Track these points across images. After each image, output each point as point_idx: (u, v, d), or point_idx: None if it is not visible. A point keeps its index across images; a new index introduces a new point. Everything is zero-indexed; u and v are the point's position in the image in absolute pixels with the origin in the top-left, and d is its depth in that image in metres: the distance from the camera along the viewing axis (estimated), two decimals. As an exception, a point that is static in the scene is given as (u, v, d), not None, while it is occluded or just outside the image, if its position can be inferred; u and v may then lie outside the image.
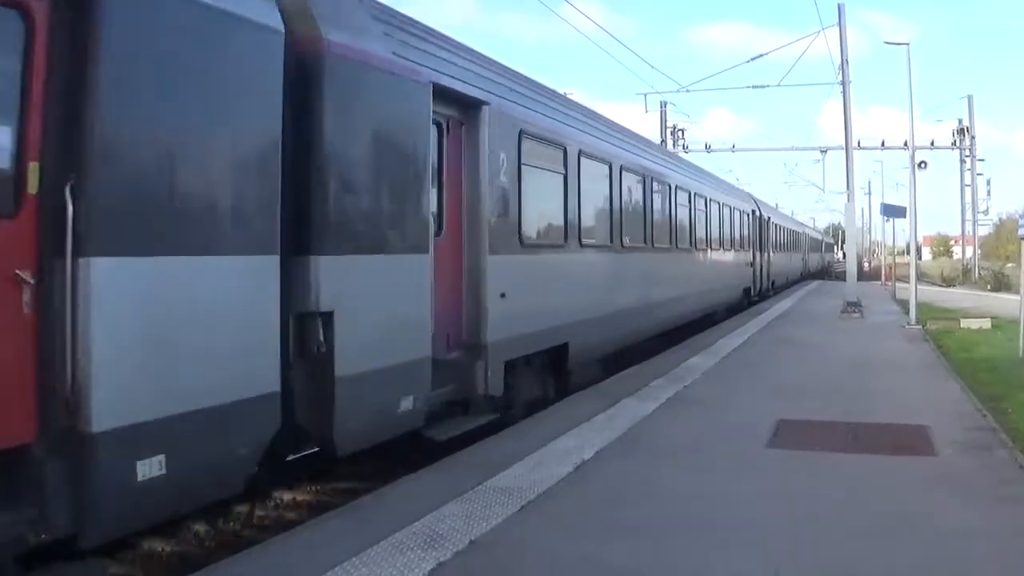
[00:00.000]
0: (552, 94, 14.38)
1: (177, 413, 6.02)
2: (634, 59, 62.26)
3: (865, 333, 22.71)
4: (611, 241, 15.94)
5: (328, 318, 7.61)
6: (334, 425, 7.73)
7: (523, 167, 11.80)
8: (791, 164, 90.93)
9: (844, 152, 30.22)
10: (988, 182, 68.36)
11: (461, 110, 10.54)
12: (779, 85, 40.79)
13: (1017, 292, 21.56)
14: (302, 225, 7.53)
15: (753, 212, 35.62)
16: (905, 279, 32.05)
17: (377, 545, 6.25)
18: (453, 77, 10.14)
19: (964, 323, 25.20)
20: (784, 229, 52.04)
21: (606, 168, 15.78)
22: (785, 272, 50.48)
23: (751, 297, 34.45)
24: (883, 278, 57.86)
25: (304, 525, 6.95)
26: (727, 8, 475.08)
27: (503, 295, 10.87)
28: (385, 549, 6.20)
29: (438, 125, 9.99)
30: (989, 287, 53.20)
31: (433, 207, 9.69)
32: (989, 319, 25.34)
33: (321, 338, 7.55)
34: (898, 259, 53.21)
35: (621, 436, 9.94)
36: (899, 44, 29.55)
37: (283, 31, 7.18)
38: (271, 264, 7.04)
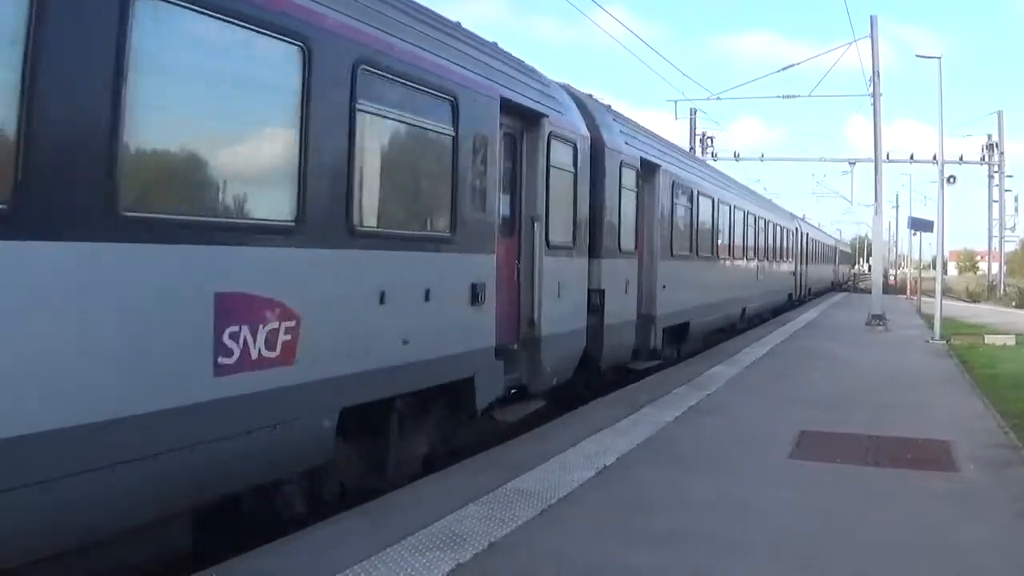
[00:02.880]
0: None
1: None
2: (664, 65, 61.90)
3: (889, 346, 22.62)
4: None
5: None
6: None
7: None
8: (819, 175, 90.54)
9: (873, 164, 30.03)
10: (1016, 198, 67.67)
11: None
12: (810, 96, 40.46)
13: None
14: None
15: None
16: (930, 293, 31.88)
17: (395, 545, 6.27)
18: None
19: (988, 339, 25.04)
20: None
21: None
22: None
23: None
24: (908, 292, 57.56)
25: (321, 524, 6.95)
26: (756, 18, 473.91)
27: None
28: (404, 549, 6.22)
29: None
30: (1014, 303, 52.83)
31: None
32: (1014, 336, 25.19)
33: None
34: (923, 273, 52.90)
35: (643, 442, 9.95)
36: (930, 58, 29.39)
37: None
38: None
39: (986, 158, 63.98)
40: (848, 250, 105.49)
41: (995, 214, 66.78)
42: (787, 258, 38.27)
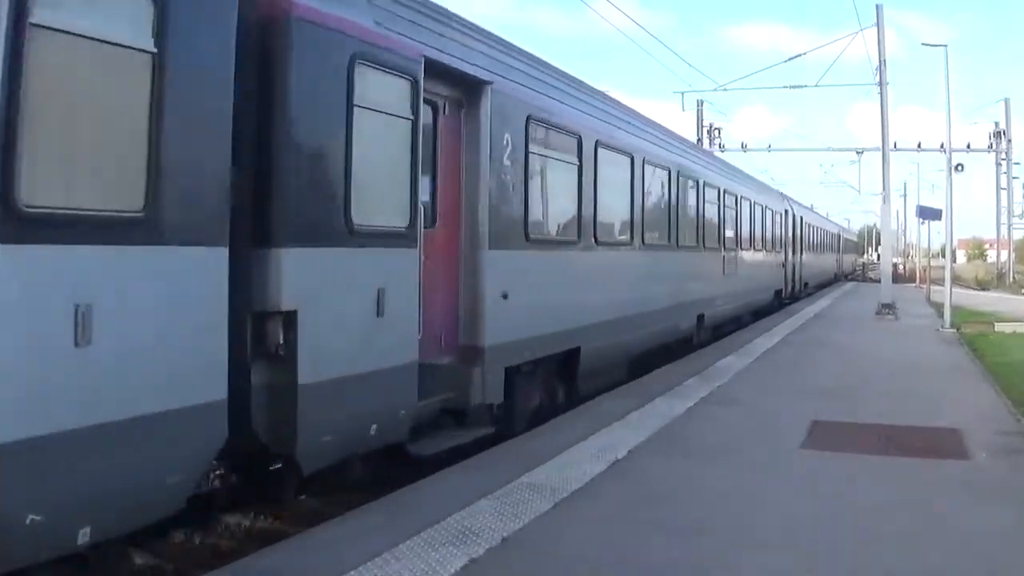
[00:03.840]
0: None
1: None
2: (670, 57, 62.21)
3: (900, 335, 22.57)
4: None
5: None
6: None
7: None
8: (827, 164, 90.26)
9: (880, 153, 29.90)
10: (1024, 186, 67.64)
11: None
12: (817, 85, 40.42)
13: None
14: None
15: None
16: (939, 282, 31.80)
17: (409, 541, 6.27)
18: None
19: (998, 327, 24.97)
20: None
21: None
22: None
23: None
24: (917, 281, 57.45)
25: (334, 520, 6.97)
26: (762, 7, 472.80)
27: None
28: (417, 544, 6.22)
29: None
30: (1023, 291, 52.68)
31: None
32: (1023, 323, 25.10)
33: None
34: (932, 262, 52.78)
35: (655, 435, 9.94)
36: (936, 46, 29.34)
37: None
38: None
39: (993, 145, 63.85)
40: (854, 239, 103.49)
41: (1003, 201, 66.68)
42: (774, 247, 31.97)
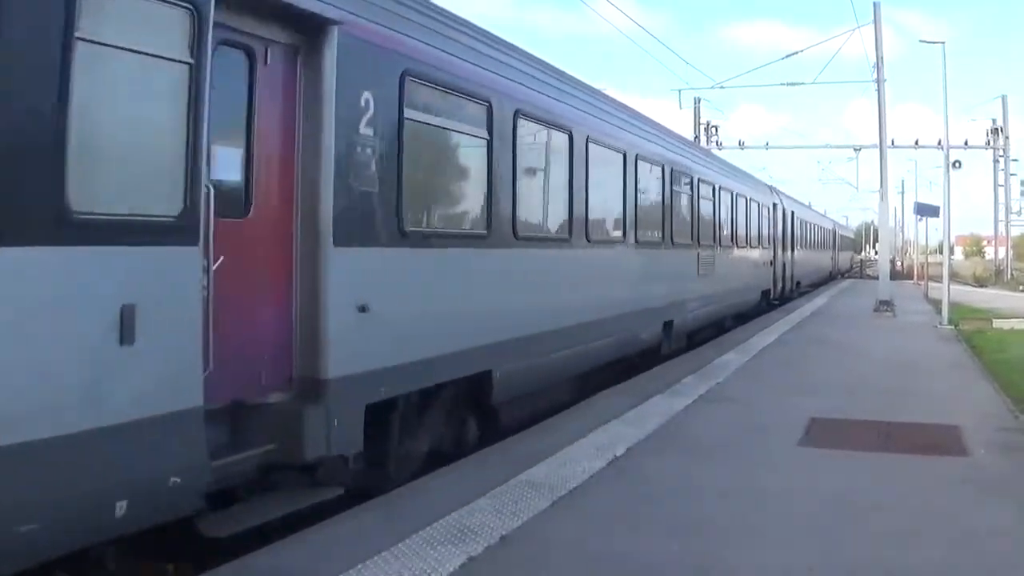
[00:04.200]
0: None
1: None
2: (668, 55, 62.06)
3: (898, 332, 22.57)
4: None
5: None
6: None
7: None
8: (824, 162, 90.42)
9: (878, 151, 29.89)
10: (1022, 182, 67.78)
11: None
12: (814, 83, 40.39)
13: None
14: None
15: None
16: (937, 279, 31.81)
17: (407, 539, 6.26)
18: None
19: (996, 323, 25.01)
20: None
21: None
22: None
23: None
24: (915, 277, 57.47)
25: (332, 519, 6.94)
26: (758, 5, 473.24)
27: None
28: (415, 543, 6.21)
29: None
30: (1021, 288, 52.72)
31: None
32: (1022, 320, 25.11)
33: None
34: (930, 259, 52.82)
35: (653, 432, 9.93)
36: (934, 43, 29.36)
37: None
38: None
39: (991, 142, 63.84)
40: (850, 235, 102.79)
41: (1001, 198, 66.83)
42: (760, 243, 28.92)
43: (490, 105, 10.02)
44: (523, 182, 10.92)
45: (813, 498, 7.59)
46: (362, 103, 7.72)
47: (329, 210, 7.29)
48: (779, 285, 32.96)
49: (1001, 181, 66.12)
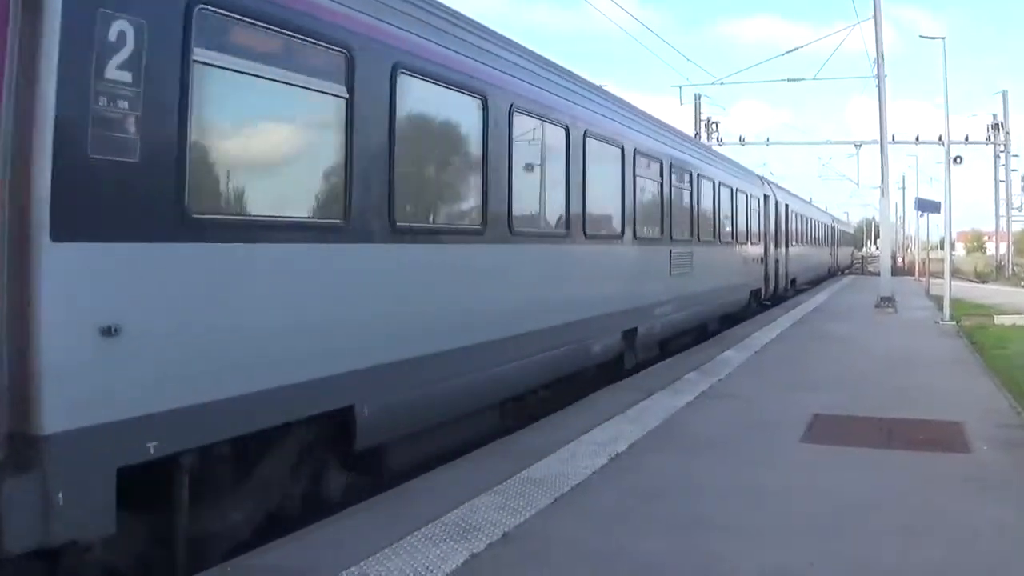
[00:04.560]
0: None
1: None
2: (668, 51, 62.10)
3: (899, 328, 22.56)
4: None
5: None
6: None
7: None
8: (825, 158, 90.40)
9: (879, 146, 29.85)
10: (1023, 178, 67.69)
11: None
12: (815, 79, 40.30)
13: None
14: None
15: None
16: (938, 274, 31.79)
17: (410, 536, 6.27)
18: None
19: (998, 319, 25.01)
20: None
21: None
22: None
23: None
24: (916, 274, 57.44)
25: (335, 516, 6.94)
26: (759, 1, 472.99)
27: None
28: (418, 540, 6.21)
29: None
30: (1022, 283, 52.73)
31: None
32: (1023, 315, 25.10)
33: None
34: (931, 254, 52.80)
35: (655, 429, 9.93)
36: (934, 39, 29.31)
37: None
38: None
39: (992, 138, 63.87)
40: (850, 231, 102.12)
41: (1002, 194, 66.76)
42: (749, 238, 26.15)
43: (350, 54, 7.30)
44: (405, 159, 8.16)
45: (815, 495, 7.57)
46: (114, 39, 5.23)
47: (47, 186, 4.89)
48: (771, 284, 30.42)
49: (1002, 176, 66.10)
